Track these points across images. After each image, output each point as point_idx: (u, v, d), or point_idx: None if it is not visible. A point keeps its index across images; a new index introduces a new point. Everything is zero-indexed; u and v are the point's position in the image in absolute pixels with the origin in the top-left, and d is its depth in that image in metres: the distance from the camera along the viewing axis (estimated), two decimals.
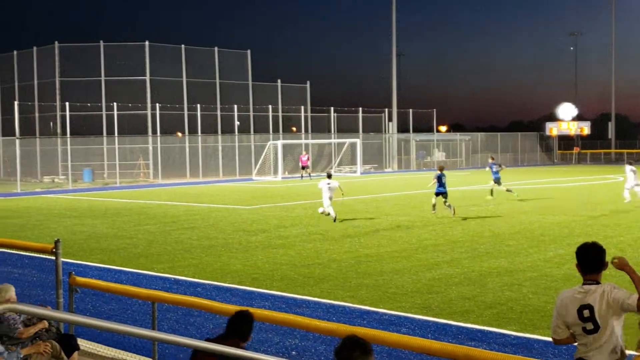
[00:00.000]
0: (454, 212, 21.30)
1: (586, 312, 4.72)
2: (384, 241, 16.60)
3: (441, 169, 22.82)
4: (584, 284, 4.83)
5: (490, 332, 8.80)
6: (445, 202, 21.71)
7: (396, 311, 9.91)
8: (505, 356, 5.37)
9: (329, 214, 20.77)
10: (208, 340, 5.43)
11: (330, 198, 20.97)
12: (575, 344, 4.89)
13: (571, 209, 23.53)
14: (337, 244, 16.21)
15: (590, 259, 4.85)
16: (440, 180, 22.09)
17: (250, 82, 55.95)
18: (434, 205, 22.00)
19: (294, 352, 8.03)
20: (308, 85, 59.09)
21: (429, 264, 13.52)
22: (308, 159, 49.23)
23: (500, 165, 28.74)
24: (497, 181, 27.43)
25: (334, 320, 9.06)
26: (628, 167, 25.62)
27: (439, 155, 66.22)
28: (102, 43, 49.58)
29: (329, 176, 21.80)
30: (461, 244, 15.91)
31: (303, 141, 55.05)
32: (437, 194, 22.01)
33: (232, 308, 7.36)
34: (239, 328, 5.43)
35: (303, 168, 47.77)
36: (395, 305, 10.23)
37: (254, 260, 14.32)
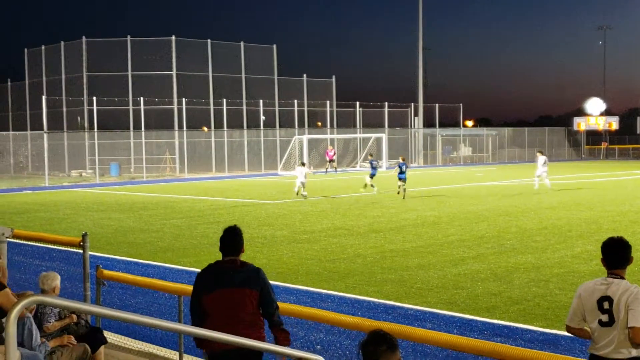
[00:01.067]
0: (404, 196, 26.43)
1: (606, 304, 4.70)
2: (409, 236, 16.54)
3: (403, 159, 28.47)
4: (608, 276, 4.81)
5: (517, 328, 8.73)
6: (402, 185, 26.87)
7: (421, 306, 9.88)
8: (531, 352, 5.32)
9: (299, 192, 27.18)
10: (210, 266, 5.42)
11: (303, 183, 27.20)
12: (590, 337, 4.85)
13: (599, 204, 23.25)
14: (363, 239, 16.19)
15: (616, 254, 4.82)
16: (401, 168, 27.21)
17: (275, 77, 56.01)
18: (399, 186, 27.07)
19: (318, 346, 8.04)
20: (334, 79, 59.06)
21: (454, 259, 13.44)
22: (334, 153, 49.31)
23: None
24: (373, 176, 30.08)
25: (359, 315, 9.04)
26: (541, 158, 29.85)
27: (465, 150, 65.84)
28: (129, 38, 49.95)
29: (303, 164, 28.82)
30: (487, 240, 15.80)
31: (329, 136, 55.02)
32: (400, 179, 27.12)
33: None
34: (233, 245, 5.39)
35: (329, 162, 47.85)
36: (420, 301, 10.19)
37: (279, 254, 14.36)
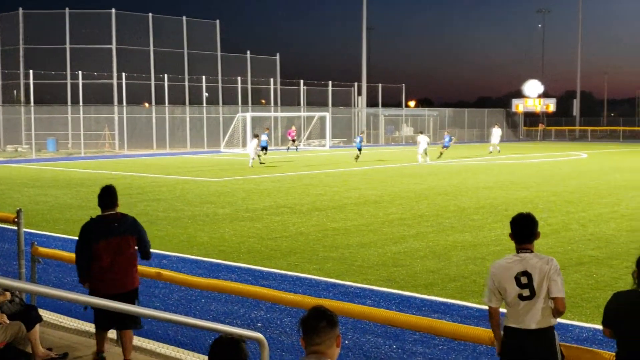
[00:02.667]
0: (356, 159, 35.36)
1: (524, 279, 4.76)
2: (351, 215, 16.67)
3: (362, 132, 41.00)
4: (519, 252, 4.89)
5: (454, 305, 8.91)
6: (358, 155, 35.79)
7: (362, 284, 9.98)
8: (465, 327, 5.45)
9: (254, 159, 32.12)
10: (94, 219, 6.65)
11: (254, 156, 32.17)
12: (504, 310, 4.91)
13: (535, 184, 23.83)
14: (305, 217, 16.24)
15: (526, 229, 4.92)
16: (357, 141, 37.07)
17: (219, 53, 55.38)
18: (357, 156, 35.83)
19: (259, 324, 8.06)
20: (278, 57, 58.74)
21: (395, 237, 13.61)
22: (296, 132, 49.84)
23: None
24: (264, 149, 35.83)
25: (300, 293, 9.10)
26: (422, 136, 35.88)
27: (407, 130, 66.47)
28: (67, 10, 48.60)
29: (256, 136, 33.92)
30: (427, 218, 16.04)
31: (272, 114, 54.87)
32: (359, 149, 36.20)
33: (197, 280, 7.37)
34: (111, 200, 6.68)
35: (292, 141, 48.02)
36: (360, 278, 10.30)
37: (221, 232, 14.29)
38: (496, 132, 45.80)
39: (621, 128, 77.91)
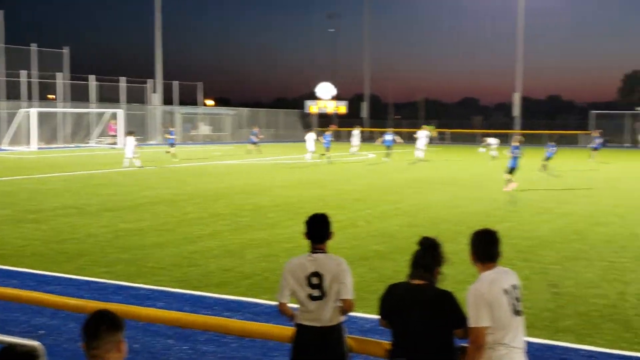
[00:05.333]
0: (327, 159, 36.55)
1: (315, 280, 4.90)
2: (146, 215, 16.29)
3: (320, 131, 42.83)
4: (313, 252, 5.03)
5: (245, 302, 9.02)
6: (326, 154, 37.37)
7: (153, 285, 9.80)
8: (251, 324, 5.56)
9: (130, 158, 30.09)
10: None
11: (130, 155, 30.04)
12: (297, 306, 5.05)
13: (328, 183, 24.78)
14: (95, 219, 15.62)
15: (318, 229, 5.07)
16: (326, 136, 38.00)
17: (2, 45, 51.61)
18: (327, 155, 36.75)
19: (41, 331, 7.63)
20: (67, 50, 55.83)
21: (191, 237, 13.51)
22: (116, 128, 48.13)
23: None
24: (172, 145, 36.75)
25: (88, 297, 8.74)
26: (311, 134, 38.42)
27: (204, 129, 66.17)
28: None
29: (131, 133, 31.72)
30: (224, 217, 16.09)
31: (60, 110, 52.17)
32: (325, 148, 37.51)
33: None
34: None
35: (112, 136, 45.98)
36: (152, 280, 10.11)
37: (0, 235, 13.34)
38: (356, 133, 49.21)
39: (405, 130, 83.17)
